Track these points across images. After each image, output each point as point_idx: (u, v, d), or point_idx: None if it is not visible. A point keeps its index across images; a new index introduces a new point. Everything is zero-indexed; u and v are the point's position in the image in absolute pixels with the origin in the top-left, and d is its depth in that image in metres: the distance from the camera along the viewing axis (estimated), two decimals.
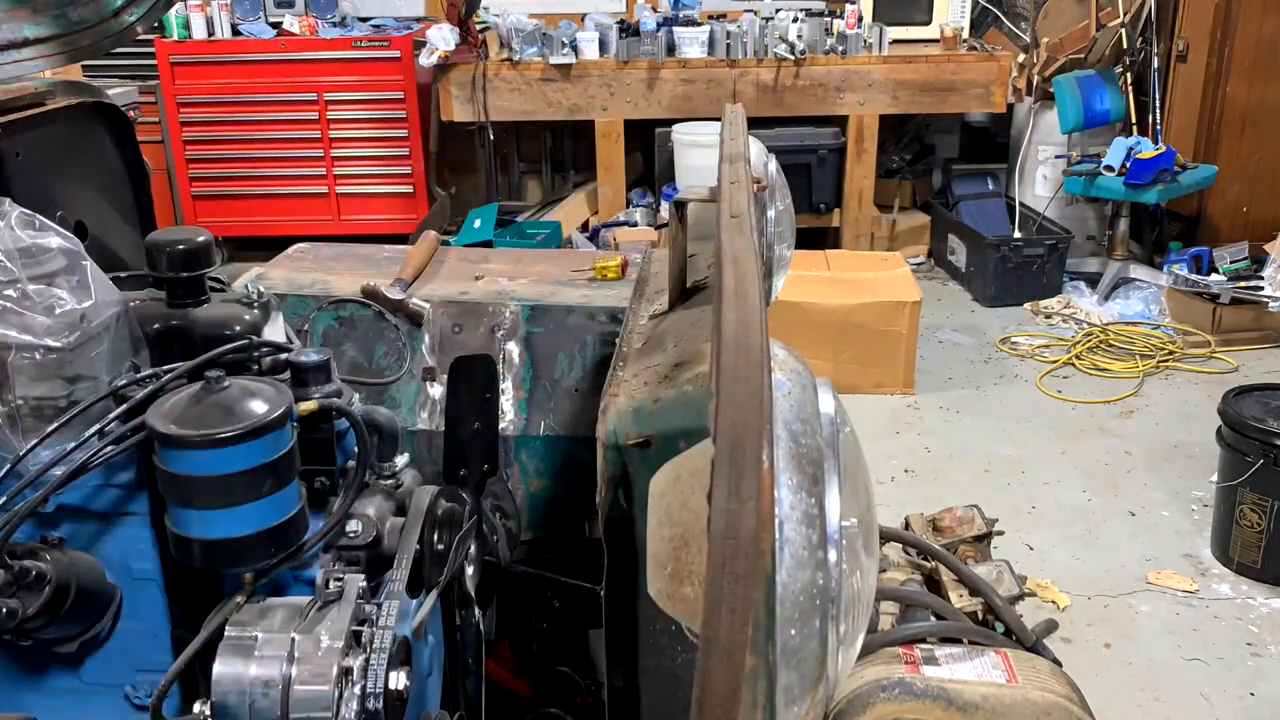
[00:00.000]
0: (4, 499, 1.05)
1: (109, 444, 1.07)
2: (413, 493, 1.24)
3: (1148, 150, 4.66)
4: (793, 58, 4.89)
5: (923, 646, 1.14)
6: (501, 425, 1.53)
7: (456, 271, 1.76)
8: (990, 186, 5.42)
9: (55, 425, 1.08)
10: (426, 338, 1.61)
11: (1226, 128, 5.11)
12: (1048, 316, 4.76)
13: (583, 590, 1.45)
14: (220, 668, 1.02)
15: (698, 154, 4.82)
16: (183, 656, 1.04)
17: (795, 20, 4.99)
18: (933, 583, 1.42)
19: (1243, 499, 2.79)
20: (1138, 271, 4.88)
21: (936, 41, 5.14)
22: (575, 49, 4.94)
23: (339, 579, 1.09)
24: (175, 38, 5.12)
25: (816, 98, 4.99)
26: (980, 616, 1.35)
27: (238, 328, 1.24)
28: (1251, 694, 2.44)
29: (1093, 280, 4.97)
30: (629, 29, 5.01)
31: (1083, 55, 5.08)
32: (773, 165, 1.29)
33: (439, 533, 1.22)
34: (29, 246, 1.14)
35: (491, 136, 5.22)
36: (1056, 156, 5.10)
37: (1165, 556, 2.97)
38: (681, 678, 0.91)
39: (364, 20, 5.37)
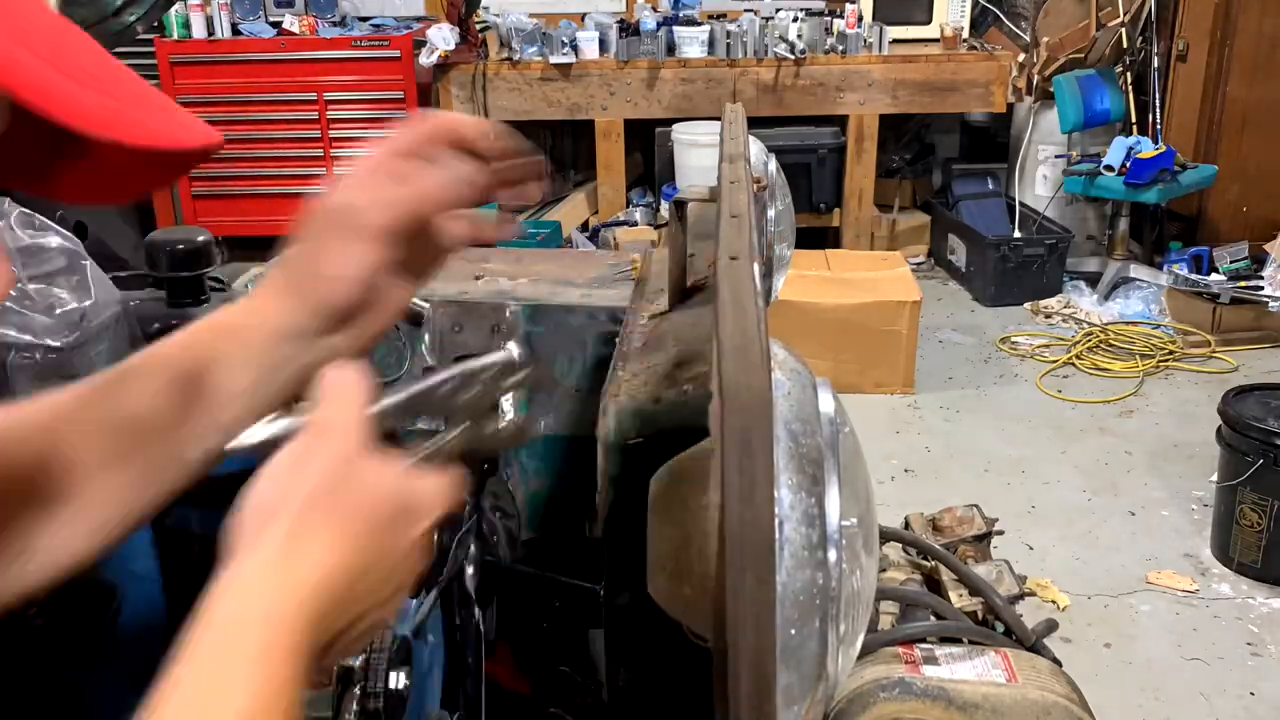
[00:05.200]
0: None
1: None
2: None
3: (1148, 150, 4.66)
4: (793, 57, 4.89)
5: (923, 646, 1.14)
6: (501, 425, 1.53)
7: (456, 271, 1.76)
8: (990, 186, 5.42)
9: None
10: (426, 338, 1.61)
11: (1226, 128, 5.11)
12: (1048, 316, 4.76)
13: (583, 590, 1.45)
14: None
15: (698, 154, 4.82)
16: None
17: (795, 20, 5.00)
18: (933, 583, 1.42)
19: (1243, 499, 2.79)
20: (1138, 271, 4.88)
21: (936, 41, 5.15)
22: (575, 48, 4.94)
23: None
24: (175, 37, 5.12)
25: (816, 97, 4.99)
26: (980, 616, 1.35)
27: None
28: (1251, 694, 2.44)
29: (1093, 280, 4.97)
30: (629, 28, 5.01)
31: (1083, 55, 5.07)
32: (773, 165, 1.29)
33: (439, 533, 1.22)
34: (29, 246, 1.14)
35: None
36: (1056, 156, 5.09)
37: (1165, 556, 2.97)
38: (681, 678, 0.91)
39: (364, 20, 5.37)
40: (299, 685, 0.51)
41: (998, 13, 5.45)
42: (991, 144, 5.65)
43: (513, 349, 0.70)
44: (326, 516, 0.56)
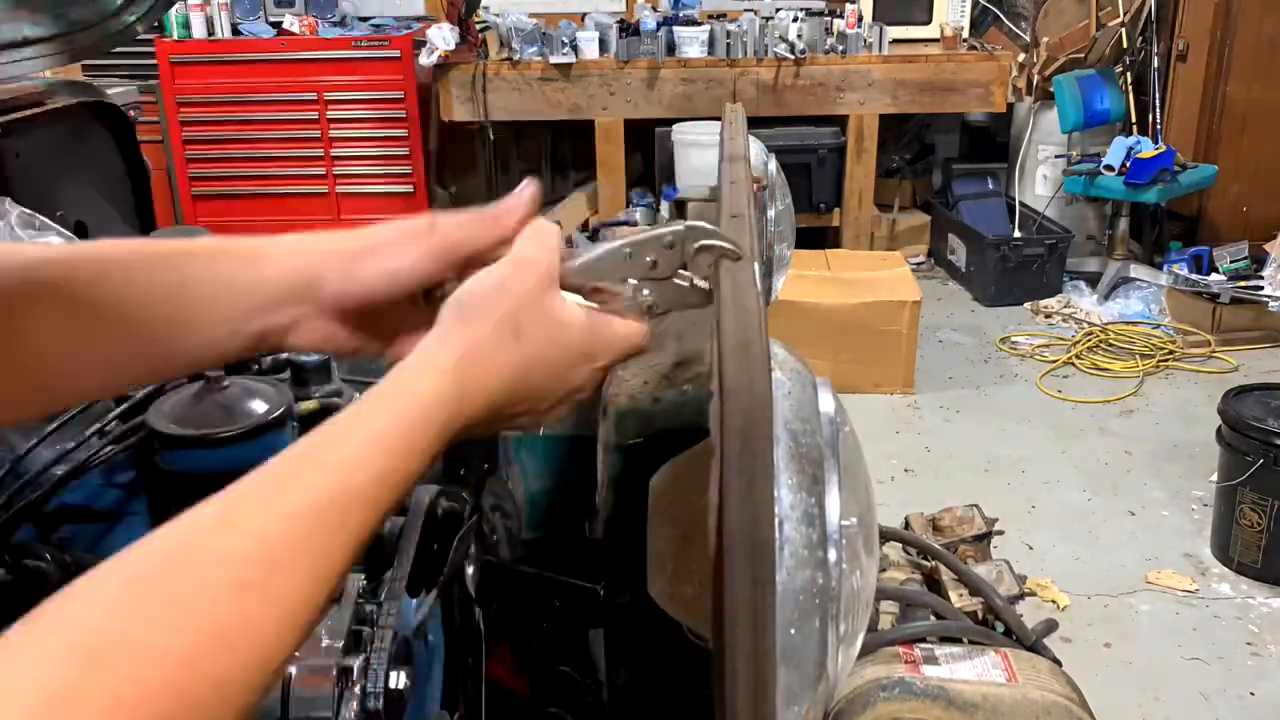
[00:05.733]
0: (4, 498, 1.05)
1: (109, 443, 1.07)
2: (412, 492, 1.24)
3: (1148, 150, 4.66)
4: (793, 57, 4.89)
5: (923, 646, 1.14)
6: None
7: None
8: (990, 186, 5.42)
9: (56, 424, 1.08)
10: None
11: (1226, 128, 5.11)
12: (1048, 316, 4.76)
13: (583, 590, 1.44)
14: None
15: (698, 154, 4.82)
16: None
17: (795, 20, 4.99)
18: (933, 582, 1.42)
19: (1243, 499, 2.79)
20: (1138, 271, 4.88)
21: (936, 41, 5.14)
22: (575, 48, 4.94)
23: None
24: (175, 37, 5.12)
25: (816, 97, 4.99)
26: (980, 616, 1.35)
27: None
28: (1251, 694, 2.44)
29: (1093, 280, 4.97)
30: (629, 28, 5.01)
31: (1083, 55, 5.07)
32: (773, 165, 1.29)
33: (438, 532, 1.22)
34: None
35: (491, 136, 5.22)
36: (1056, 156, 5.10)
37: (1165, 556, 2.97)
38: (681, 678, 0.91)
39: (364, 20, 5.37)
40: (421, 457, 0.58)
41: (998, 13, 5.45)
42: (991, 144, 5.65)
43: (679, 224, 0.73)
44: (513, 331, 0.64)
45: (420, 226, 0.73)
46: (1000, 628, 1.33)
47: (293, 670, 1.02)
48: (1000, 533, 1.70)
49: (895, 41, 5.07)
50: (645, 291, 0.72)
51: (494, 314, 0.64)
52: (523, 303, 0.65)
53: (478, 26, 5.09)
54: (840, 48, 4.99)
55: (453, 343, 0.63)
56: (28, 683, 0.38)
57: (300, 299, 0.73)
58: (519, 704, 1.51)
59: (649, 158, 5.31)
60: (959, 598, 1.35)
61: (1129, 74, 5.12)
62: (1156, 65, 4.99)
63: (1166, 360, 4.26)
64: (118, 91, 4.22)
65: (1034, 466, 3.47)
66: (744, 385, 0.49)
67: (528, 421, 0.68)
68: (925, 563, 1.46)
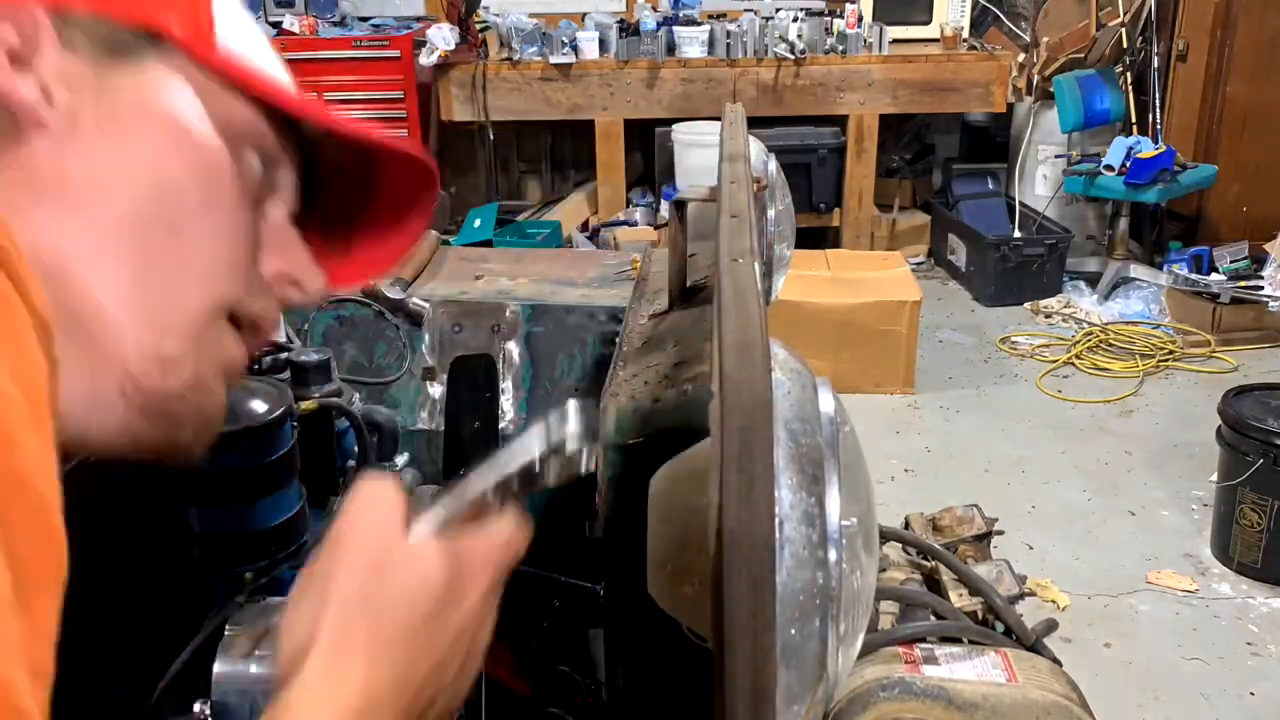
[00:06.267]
0: None
1: None
2: (412, 492, 1.24)
3: (1148, 150, 4.66)
4: (793, 57, 4.89)
5: (923, 646, 1.14)
6: (501, 425, 1.53)
7: (456, 271, 1.76)
8: (990, 186, 5.42)
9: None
10: (426, 337, 1.61)
11: (1226, 128, 5.11)
12: (1048, 316, 4.76)
13: (583, 590, 1.45)
14: (220, 667, 1.02)
15: (698, 154, 4.82)
16: (182, 656, 1.04)
17: (795, 20, 5.00)
18: (933, 582, 1.42)
19: (1243, 499, 2.79)
20: (1138, 271, 4.88)
21: (936, 41, 5.15)
22: (575, 48, 4.94)
23: None
24: None
25: (816, 97, 4.99)
26: (980, 616, 1.35)
27: None
28: (1251, 694, 2.44)
29: (1093, 280, 4.97)
30: (629, 28, 5.01)
31: (1083, 55, 5.08)
32: (773, 165, 1.29)
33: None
34: None
35: (491, 136, 5.22)
36: (1056, 156, 5.10)
37: (1165, 556, 2.97)
38: (681, 678, 0.91)
39: (364, 20, 5.37)
40: None
41: (998, 13, 5.45)
42: (991, 144, 5.65)
43: (535, 445, 0.66)
44: (361, 633, 0.55)
45: None
46: (1000, 628, 1.33)
47: None
48: (1000, 533, 1.70)
49: (895, 41, 5.07)
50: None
51: (330, 620, 0.55)
52: (361, 585, 0.56)
53: (478, 26, 5.09)
54: (840, 48, 4.99)
55: (307, 690, 0.53)
56: None
57: None
58: (519, 704, 1.50)
59: (649, 158, 5.31)
60: (959, 598, 1.35)
61: (1129, 74, 5.12)
62: (1156, 65, 4.99)
63: (1166, 360, 4.26)
64: None
65: (1034, 466, 3.47)
66: (744, 385, 0.49)
67: (443, 706, 0.59)
68: (925, 563, 1.45)
